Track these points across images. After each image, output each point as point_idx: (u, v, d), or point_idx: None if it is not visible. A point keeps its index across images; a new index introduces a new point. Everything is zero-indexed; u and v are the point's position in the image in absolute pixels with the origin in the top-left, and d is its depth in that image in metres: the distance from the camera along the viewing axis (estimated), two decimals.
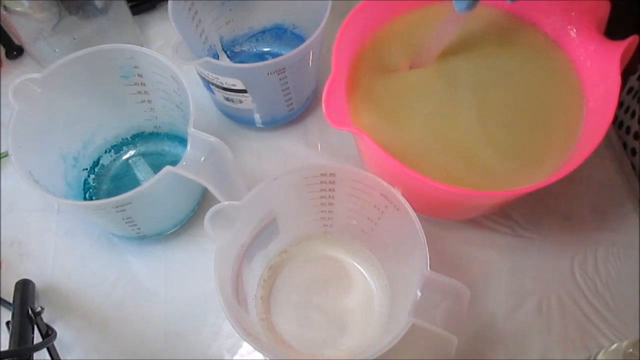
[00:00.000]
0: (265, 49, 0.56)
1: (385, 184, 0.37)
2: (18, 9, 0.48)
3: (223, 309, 0.33)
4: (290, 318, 0.43)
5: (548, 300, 0.45)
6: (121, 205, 0.40)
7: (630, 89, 0.51)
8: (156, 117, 0.49)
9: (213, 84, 0.47)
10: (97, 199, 0.49)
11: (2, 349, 0.39)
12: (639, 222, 0.48)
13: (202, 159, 0.38)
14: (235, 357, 0.43)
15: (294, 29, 0.54)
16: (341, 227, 0.44)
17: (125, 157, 0.51)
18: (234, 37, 0.55)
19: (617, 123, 0.53)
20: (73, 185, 0.47)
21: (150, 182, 0.38)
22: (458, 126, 0.42)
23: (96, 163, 0.50)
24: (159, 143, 0.52)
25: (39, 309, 0.41)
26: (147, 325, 0.45)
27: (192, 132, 0.39)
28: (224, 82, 0.45)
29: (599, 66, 0.41)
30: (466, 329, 0.43)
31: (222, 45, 0.54)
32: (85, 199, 0.48)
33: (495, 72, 0.44)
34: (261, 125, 0.53)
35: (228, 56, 0.55)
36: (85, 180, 0.49)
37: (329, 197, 0.41)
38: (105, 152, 0.51)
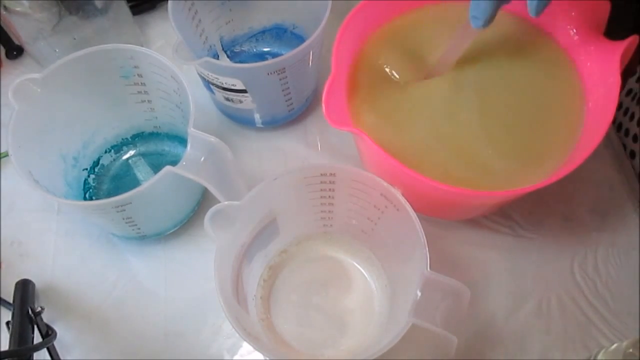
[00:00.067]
0: (265, 49, 0.56)
1: (385, 184, 0.37)
2: (18, 9, 0.48)
3: (223, 309, 0.33)
4: (290, 318, 0.43)
5: (548, 300, 0.45)
6: (121, 205, 0.40)
7: (630, 91, 0.51)
8: (156, 117, 0.49)
9: (213, 84, 0.47)
10: (97, 199, 0.49)
11: (2, 349, 0.39)
12: (639, 223, 0.48)
13: (202, 159, 0.38)
14: (235, 357, 0.43)
15: (294, 29, 0.54)
16: (341, 227, 0.44)
17: (125, 157, 0.51)
18: (234, 37, 0.55)
19: (616, 125, 0.53)
20: (73, 185, 0.47)
21: (150, 182, 0.38)
22: (458, 126, 0.42)
23: (96, 163, 0.50)
24: (159, 143, 0.52)
25: (39, 309, 0.41)
26: (147, 325, 0.45)
27: (192, 132, 0.39)
28: (224, 82, 0.45)
29: (599, 66, 0.41)
30: (466, 329, 0.43)
31: (222, 45, 0.54)
32: (85, 199, 0.48)
33: (495, 72, 0.44)
34: (261, 125, 0.53)
35: (228, 56, 0.55)
36: (85, 180, 0.49)
37: (329, 197, 0.41)
38: (105, 152, 0.51)
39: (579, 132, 0.41)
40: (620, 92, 0.50)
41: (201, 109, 0.52)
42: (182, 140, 0.50)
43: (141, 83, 0.46)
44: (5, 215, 0.49)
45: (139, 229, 0.45)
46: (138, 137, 0.52)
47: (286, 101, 0.49)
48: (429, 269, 0.34)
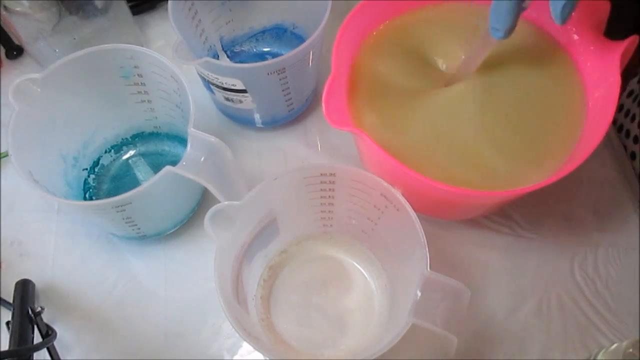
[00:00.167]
0: (265, 49, 0.56)
1: (385, 184, 0.37)
2: (18, 9, 0.48)
3: (223, 309, 0.33)
4: (290, 318, 0.43)
5: (548, 300, 0.45)
6: (121, 205, 0.40)
7: (631, 92, 0.51)
8: (156, 117, 0.49)
9: (213, 84, 0.47)
10: (97, 199, 0.49)
11: (2, 349, 0.39)
12: (639, 223, 0.48)
13: (202, 159, 0.38)
14: (235, 357, 0.43)
15: (294, 29, 0.54)
16: (341, 227, 0.44)
17: (125, 157, 0.51)
18: (234, 37, 0.55)
19: (617, 126, 0.53)
20: (73, 185, 0.47)
21: (150, 182, 0.38)
22: (458, 126, 0.42)
23: (96, 163, 0.50)
24: (159, 143, 0.52)
25: (39, 309, 0.41)
26: (147, 325, 0.45)
27: (192, 132, 0.39)
28: (224, 82, 0.45)
29: (599, 66, 0.41)
30: (466, 329, 0.43)
31: (222, 45, 0.54)
32: (85, 199, 0.48)
33: (495, 72, 0.44)
34: (261, 125, 0.53)
35: (228, 56, 0.55)
36: (85, 180, 0.49)
37: (329, 197, 0.41)
38: (105, 152, 0.51)
39: (579, 132, 0.41)
40: (622, 93, 0.50)
41: (201, 109, 0.52)
42: (182, 140, 0.50)
43: (141, 83, 0.46)
44: (5, 215, 0.49)
45: (139, 229, 0.45)
46: (138, 137, 0.52)
47: (286, 101, 0.49)
48: (429, 269, 0.34)
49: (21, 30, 0.51)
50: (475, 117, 0.42)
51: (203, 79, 0.47)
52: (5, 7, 0.48)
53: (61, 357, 0.41)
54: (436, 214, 0.46)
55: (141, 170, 0.51)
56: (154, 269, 0.47)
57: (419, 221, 0.35)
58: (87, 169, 0.49)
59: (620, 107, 0.53)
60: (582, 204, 0.49)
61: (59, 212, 0.50)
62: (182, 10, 0.46)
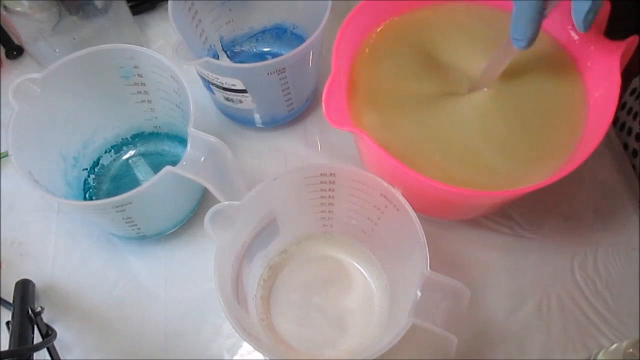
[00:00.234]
0: (265, 49, 0.56)
1: (385, 184, 0.37)
2: (18, 9, 0.48)
3: (223, 309, 0.33)
4: (290, 318, 0.43)
5: (548, 300, 0.45)
6: (121, 205, 0.40)
7: (633, 91, 0.51)
8: (156, 117, 0.49)
9: (213, 84, 0.47)
10: (97, 199, 0.49)
11: (2, 349, 0.39)
12: (639, 223, 0.48)
13: (202, 159, 0.38)
14: (235, 357, 0.43)
15: (294, 29, 0.54)
16: (341, 227, 0.44)
17: (125, 157, 0.51)
18: (234, 37, 0.55)
19: (619, 124, 0.53)
20: (73, 185, 0.47)
21: (150, 182, 0.38)
22: (459, 126, 0.42)
23: (96, 163, 0.50)
24: (159, 143, 0.52)
25: (39, 309, 0.41)
26: (147, 325, 0.45)
27: (192, 132, 0.39)
28: (224, 82, 0.45)
29: (599, 66, 0.41)
30: (466, 329, 0.43)
31: (222, 45, 0.54)
32: (85, 199, 0.48)
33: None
34: (261, 125, 0.53)
35: (228, 56, 0.55)
36: (85, 180, 0.49)
37: (329, 197, 0.41)
38: (105, 152, 0.51)
39: (580, 132, 0.41)
40: (625, 91, 0.50)
41: (201, 109, 0.52)
42: (182, 140, 0.50)
43: (141, 83, 0.46)
44: (5, 215, 0.49)
45: (139, 229, 0.45)
46: (138, 137, 0.52)
47: (286, 101, 0.49)
48: (429, 269, 0.34)
49: (21, 30, 0.51)
50: (476, 117, 0.42)
51: (203, 79, 0.47)
52: (5, 7, 0.48)
53: (61, 357, 0.41)
54: (436, 214, 0.46)
55: (141, 170, 0.51)
56: (154, 269, 0.47)
57: (419, 221, 0.35)
58: (87, 169, 0.49)
59: (622, 105, 0.53)
60: (582, 204, 0.49)
61: (59, 212, 0.50)
62: (182, 10, 0.46)
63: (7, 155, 0.44)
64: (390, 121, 0.42)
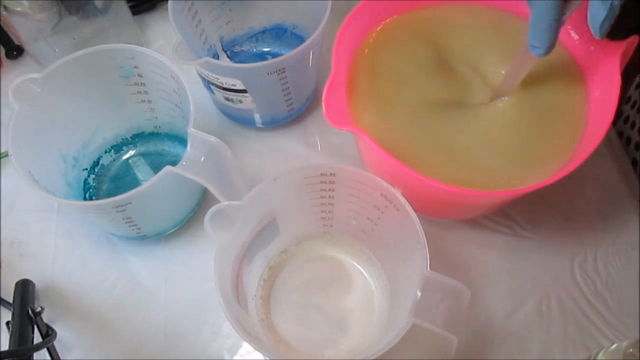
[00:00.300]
0: (265, 49, 0.56)
1: (385, 184, 0.37)
2: (18, 9, 0.48)
3: (223, 309, 0.33)
4: (290, 318, 0.43)
5: (548, 300, 0.45)
6: (121, 205, 0.40)
7: (628, 99, 0.51)
8: (156, 117, 0.49)
9: (213, 84, 0.47)
10: (97, 199, 0.49)
11: (2, 349, 0.39)
12: (639, 222, 0.48)
13: (202, 159, 0.38)
14: (235, 357, 0.43)
15: (294, 29, 0.54)
16: (341, 227, 0.44)
17: (125, 157, 0.51)
18: (234, 37, 0.55)
19: (623, 118, 0.52)
20: (73, 185, 0.47)
21: (150, 182, 0.38)
22: (459, 126, 0.42)
23: (96, 163, 0.50)
24: (159, 143, 0.52)
25: (39, 309, 0.41)
26: (147, 325, 0.45)
27: (192, 132, 0.39)
28: (224, 82, 0.45)
29: (599, 66, 0.41)
30: (466, 329, 0.43)
31: (222, 45, 0.54)
32: (85, 199, 0.48)
33: (499, 72, 0.44)
34: (261, 125, 0.53)
35: (228, 56, 0.55)
36: (85, 180, 0.49)
37: (329, 197, 0.41)
38: (105, 152, 0.51)
39: (580, 132, 0.41)
40: (622, 99, 0.50)
41: (201, 109, 0.52)
42: (182, 140, 0.50)
43: (141, 83, 0.46)
44: (5, 215, 0.49)
45: (139, 229, 0.45)
46: (138, 137, 0.52)
47: (286, 101, 0.49)
48: (429, 269, 0.34)
49: (21, 30, 0.51)
50: (477, 117, 0.42)
51: (203, 79, 0.47)
52: (5, 7, 0.48)
53: (61, 357, 0.41)
54: (436, 214, 0.46)
55: (141, 170, 0.51)
56: (154, 269, 0.47)
57: (419, 221, 0.35)
58: (87, 169, 0.49)
59: (627, 99, 0.53)
60: (582, 204, 0.49)
61: (59, 212, 0.50)
62: (182, 10, 0.46)
63: (7, 155, 0.44)
64: (390, 121, 0.42)
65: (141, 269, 0.47)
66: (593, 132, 0.40)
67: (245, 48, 0.56)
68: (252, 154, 0.52)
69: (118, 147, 0.51)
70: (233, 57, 0.56)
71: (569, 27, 0.43)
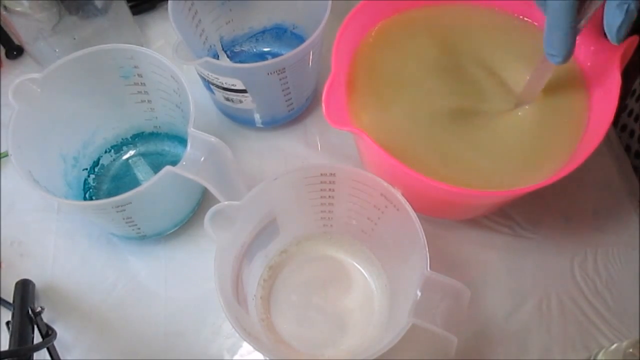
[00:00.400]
0: (265, 49, 0.56)
1: (385, 184, 0.37)
2: (18, 9, 0.48)
3: (223, 309, 0.33)
4: (290, 318, 0.43)
5: (548, 300, 0.45)
6: (121, 205, 0.40)
7: (633, 92, 0.51)
8: (156, 117, 0.49)
9: (213, 84, 0.47)
10: (97, 199, 0.49)
11: (2, 349, 0.39)
12: (639, 223, 0.48)
13: (202, 159, 0.38)
14: (235, 357, 0.43)
15: (294, 29, 0.54)
16: (341, 227, 0.44)
17: (125, 157, 0.51)
18: (234, 37, 0.55)
19: (620, 125, 0.52)
20: (73, 185, 0.47)
21: (150, 182, 0.38)
22: (460, 126, 0.42)
23: (96, 163, 0.50)
24: (159, 143, 0.52)
25: (39, 309, 0.41)
26: (147, 325, 0.45)
27: (192, 132, 0.39)
28: (224, 82, 0.45)
29: (599, 66, 0.41)
30: (466, 329, 0.43)
31: (222, 45, 0.54)
32: (85, 199, 0.48)
33: (498, 72, 0.44)
34: (261, 125, 0.53)
35: (228, 56, 0.55)
36: (85, 180, 0.49)
37: (329, 197, 0.41)
38: (105, 152, 0.51)
39: (581, 132, 0.41)
40: (628, 94, 0.50)
41: (201, 109, 0.52)
42: (182, 140, 0.50)
43: (141, 83, 0.46)
44: (5, 215, 0.49)
45: (139, 229, 0.45)
46: (138, 137, 0.52)
47: (286, 101, 0.49)
48: (429, 269, 0.34)
49: (21, 30, 0.51)
50: (478, 117, 0.42)
51: (203, 79, 0.47)
52: (5, 7, 0.48)
53: (61, 357, 0.41)
54: (436, 214, 0.46)
55: (141, 170, 0.51)
56: (154, 269, 0.47)
57: (419, 221, 0.35)
58: (87, 169, 0.49)
59: (624, 107, 0.53)
60: (582, 204, 0.49)
61: (59, 212, 0.50)
62: (182, 10, 0.46)
63: (7, 155, 0.44)
64: (390, 121, 0.42)
65: (141, 269, 0.47)
66: (593, 132, 0.40)
67: (245, 48, 0.56)
68: (252, 154, 0.52)
69: (118, 147, 0.51)
70: (233, 57, 0.56)
71: None
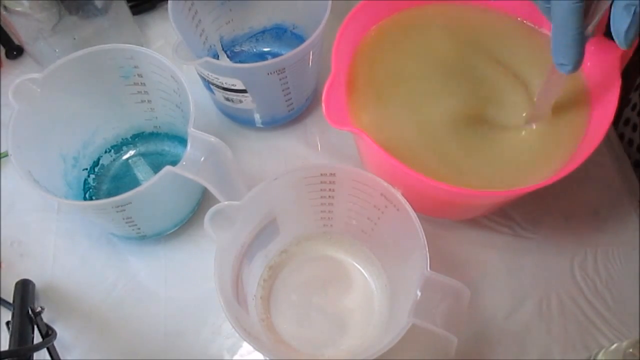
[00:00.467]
0: (265, 49, 0.56)
1: (385, 184, 0.37)
2: (18, 9, 0.48)
3: (223, 309, 0.33)
4: (290, 318, 0.43)
5: (548, 300, 0.45)
6: (121, 205, 0.40)
7: (633, 105, 0.51)
8: (156, 117, 0.49)
9: (213, 84, 0.47)
10: (97, 199, 0.49)
11: (2, 349, 0.39)
12: (638, 222, 0.48)
13: (202, 159, 0.38)
14: (235, 357, 0.43)
15: (294, 29, 0.54)
16: (341, 227, 0.44)
17: (125, 157, 0.51)
18: (234, 37, 0.55)
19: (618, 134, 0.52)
20: (73, 185, 0.47)
21: (150, 182, 0.38)
22: (460, 126, 0.42)
23: (96, 163, 0.50)
24: (159, 143, 0.52)
25: (39, 309, 0.41)
26: (147, 325, 0.45)
27: (192, 132, 0.39)
28: (224, 82, 0.45)
29: (599, 66, 0.41)
30: (466, 329, 0.43)
31: (222, 45, 0.54)
32: (85, 199, 0.48)
33: (499, 73, 0.44)
34: (261, 125, 0.53)
35: (228, 56, 0.55)
36: (85, 180, 0.49)
37: (329, 197, 0.41)
38: (105, 152, 0.51)
39: (581, 132, 0.41)
40: (625, 104, 0.50)
41: (201, 109, 0.52)
42: (182, 140, 0.50)
43: (141, 83, 0.46)
44: (5, 215, 0.49)
45: (139, 229, 0.45)
46: (138, 137, 0.52)
47: (286, 101, 0.49)
48: (429, 269, 0.34)
49: (21, 30, 0.51)
50: (478, 117, 0.42)
51: (203, 79, 0.47)
52: (5, 7, 0.48)
53: (61, 357, 0.41)
54: (436, 214, 0.46)
55: (141, 170, 0.51)
56: (154, 269, 0.47)
57: (419, 221, 0.35)
58: (87, 169, 0.49)
59: (620, 116, 0.53)
60: (582, 204, 0.49)
61: (59, 212, 0.50)
62: (182, 10, 0.46)
63: (7, 155, 0.44)
64: (390, 121, 0.42)
65: (141, 269, 0.47)
66: (593, 132, 0.40)
67: (245, 48, 0.56)
68: (252, 154, 0.52)
69: (118, 147, 0.51)
70: (233, 57, 0.56)
71: None
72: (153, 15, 0.61)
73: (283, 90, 0.47)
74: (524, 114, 0.42)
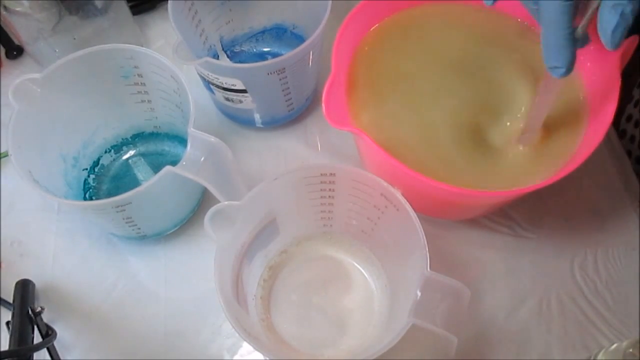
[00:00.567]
0: (265, 49, 0.56)
1: (385, 184, 0.37)
2: (18, 9, 0.48)
3: (223, 309, 0.33)
4: (290, 318, 0.43)
5: (548, 300, 0.45)
6: (121, 205, 0.40)
7: (636, 101, 0.51)
8: (156, 117, 0.49)
9: (213, 84, 0.47)
10: (97, 199, 0.49)
11: (2, 349, 0.39)
12: (638, 223, 0.48)
13: (202, 159, 0.38)
14: (235, 357, 0.43)
15: (294, 29, 0.54)
16: (341, 227, 0.44)
17: (125, 157, 0.51)
18: (234, 37, 0.55)
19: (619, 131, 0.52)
20: (73, 185, 0.47)
21: (150, 182, 0.38)
22: (460, 126, 0.42)
23: (96, 163, 0.50)
24: (159, 143, 0.52)
25: (39, 309, 0.41)
26: (147, 325, 0.45)
27: (192, 132, 0.39)
28: (224, 82, 0.45)
29: (599, 66, 0.41)
30: (466, 329, 0.43)
31: (222, 45, 0.54)
32: (85, 199, 0.48)
33: (499, 73, 0.44)
34: (261, 125, 0.53)
35: (228, 56, 0.55)
36: (85, 180, 0.49)
37: (329, 197, 0.41)
38: (105, 152, 0.51)
39: (581, 133, 0.41)
40: (628, 102, 0.50)
41: (201, 109, 0.52)
42: (182, 140, 0.50)
43: (141, 83, 0.46)
44: (5, 215, 0.49)
45: (139, 229, 0.45)
46: (138, 137, 0.52)
47: (286, 101, 0.49)
48: (429, 269, 0.34)
49: (21, 30, 0.51)
50: (478, 117, 0.42)
51: (203, 79, 0.47)
52: (5, 7, 0.48)
53: (61, 357, 0.41)
54: (436, 214, 0.46)
55: (141, 170, 0.51)
56: (154, 269, 0.47)
57: (419, 221, 0.35)
58: (87, 169, 0.49)
59: (622, 112, 0.53)
60: (582, 204, 0.49)
61: (59, 212, 0.50)
62: (182, 10, 0.46)
63: (7, 155, 0.44)
64: (390, 121, 0.42)
65: (141, 269, 0.47)
66: (593, 132, 0.40)
67: (245, 48, 0.56)
68: (252, 154, 0.52)
69: (118, 147, 0.51)
70: (233, 57, 0.56)
71: None
72: (153, 15, 0.61)
73: (283, 90, 0.47)
74: (523, 115, 0.42)
